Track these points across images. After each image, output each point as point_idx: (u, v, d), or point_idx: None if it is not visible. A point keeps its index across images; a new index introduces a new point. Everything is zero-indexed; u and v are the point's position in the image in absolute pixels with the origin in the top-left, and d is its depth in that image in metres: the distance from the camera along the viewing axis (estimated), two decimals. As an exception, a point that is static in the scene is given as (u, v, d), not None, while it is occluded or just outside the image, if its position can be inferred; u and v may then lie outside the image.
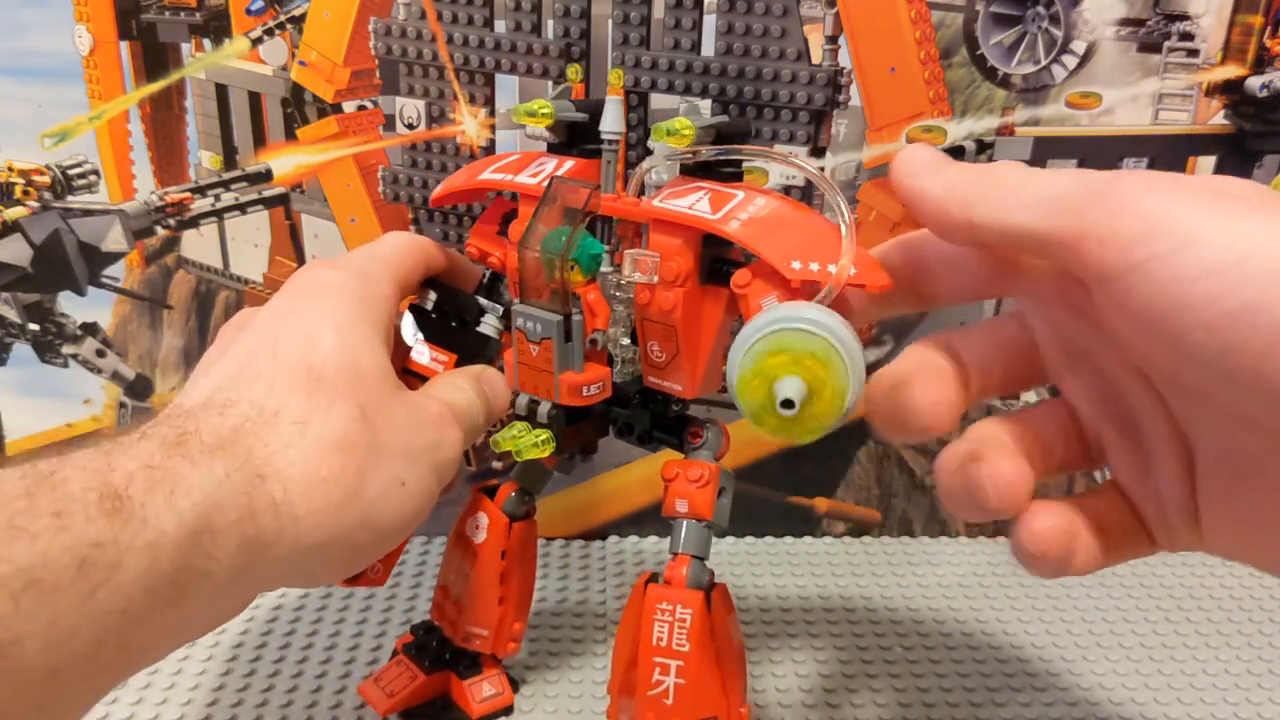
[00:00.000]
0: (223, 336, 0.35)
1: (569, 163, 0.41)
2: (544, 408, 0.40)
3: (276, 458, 0.28)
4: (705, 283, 0.38)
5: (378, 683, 0.47)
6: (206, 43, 0.57)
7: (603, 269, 0.39)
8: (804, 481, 0.66)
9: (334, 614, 0.56)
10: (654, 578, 0.40)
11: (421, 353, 0.43)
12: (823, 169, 0.58)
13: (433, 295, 0.44)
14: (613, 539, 0.66)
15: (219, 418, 0.29)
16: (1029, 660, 0.55)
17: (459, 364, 0.43)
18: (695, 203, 0.37)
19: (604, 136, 0.40)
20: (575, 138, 0.41)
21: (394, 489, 0.31)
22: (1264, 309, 0.21)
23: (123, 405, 0.64)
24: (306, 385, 0.30)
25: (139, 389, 0.64)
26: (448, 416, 0.36)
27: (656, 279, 0.37)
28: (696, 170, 0.38)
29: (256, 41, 0.57)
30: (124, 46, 0.57)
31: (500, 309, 0.44)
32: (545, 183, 0.39)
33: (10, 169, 0.59)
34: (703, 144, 0.37)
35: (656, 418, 0.42)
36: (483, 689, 0.47)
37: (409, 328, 0.44)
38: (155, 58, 0.58)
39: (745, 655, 0.42)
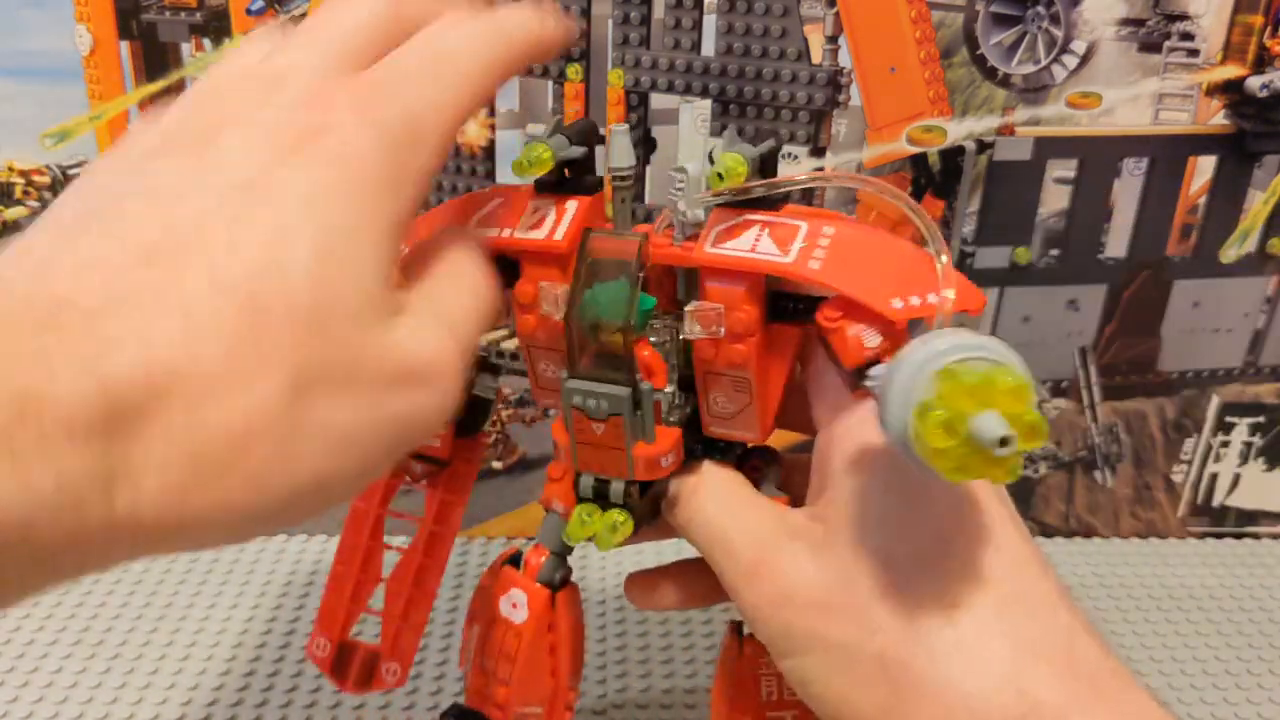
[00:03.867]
0: (124, 152, 0.24)
1: (571, 203, 0.36)
2: (616, 487, 0.36)
3: (143, 453, 0.19)
4: (769, 323, 0.34)
5: None
6: (206, 43, 0.57)
7: None
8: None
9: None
10: (739, 628, 0.38)
11: None
12: (824, 168, 0.58)
13: None
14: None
15: (83, 371, 0.19)
16: (1029, 660, 0.55)
17: (456, 433, 0.40)
18: (756, 243, 0.33)
19: (615, 174, 0.35)
20: (567, 172, 0.36)
21: (302, 486, 0.22)
22: None
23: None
24: (236, 328, 0.20)
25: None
26: (437, 363, 0.25)
27: (723, 332, 0.33)
28: (740, 201, 0.33)
29: (256, 41, 0.57)
30: (124, 46, 0.57)
31: (496, 368, 0.40)
32: (560, 237, 0.35)
33: (10, 169, 0.59)
34: (751, 177, 0.33)
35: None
36: None
37: None
38: (155, 58, 0.58)
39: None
